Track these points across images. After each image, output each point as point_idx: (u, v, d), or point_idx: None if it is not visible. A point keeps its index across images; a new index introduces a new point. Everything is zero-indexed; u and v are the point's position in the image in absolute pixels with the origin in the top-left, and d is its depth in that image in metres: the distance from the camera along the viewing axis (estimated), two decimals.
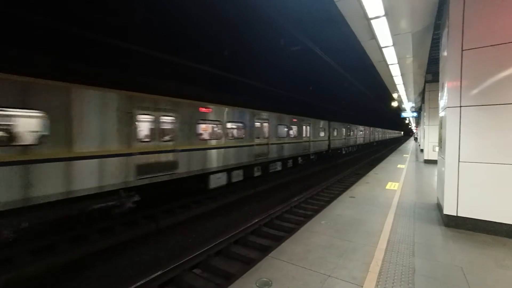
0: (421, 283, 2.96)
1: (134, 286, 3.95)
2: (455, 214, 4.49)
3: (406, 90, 14.69)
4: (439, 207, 5.35)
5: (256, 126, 11.43)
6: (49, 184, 5.10)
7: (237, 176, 10.43)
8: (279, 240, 5.51)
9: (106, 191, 6.09)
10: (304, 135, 16.22)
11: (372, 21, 5.35)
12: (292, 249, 3.80)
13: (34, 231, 5.41)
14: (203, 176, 8.85)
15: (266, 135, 12.13)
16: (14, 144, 4.86)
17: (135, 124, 6.70)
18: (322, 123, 19.42)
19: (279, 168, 13.59)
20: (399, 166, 12.83)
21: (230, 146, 9.91)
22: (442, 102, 5.42)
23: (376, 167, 12.60)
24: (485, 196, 4.23)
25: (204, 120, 8.82)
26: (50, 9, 7.35)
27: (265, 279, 3.04)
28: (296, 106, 20.56)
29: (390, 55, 7.81)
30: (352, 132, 28.23)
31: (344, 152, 25.83)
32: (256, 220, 6.63)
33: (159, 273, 4.25)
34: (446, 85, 4.76)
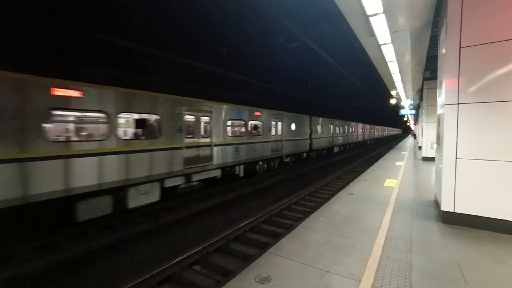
0: (418, 278, 2.99)
1: (134, 283, 3.97)
2: (452, 211, 4.53)
3: (404, 88, 14.71)
4: (437, 204, 5.39)
5: (346, 128, 26.61)
6: None
7: (340, 148, 24.80)
8: (278, 237, 5.55)
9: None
10: (356, 133, 31.66)
11: (371, 18, 5.36)
12: (291, 245, 3.83)
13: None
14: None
15: (347, 131, 26.98)
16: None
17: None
18: (360, 125, 33.63)
19: (352, 145, 30.54)
20: (397, 163, 12.89)
21: (343, 136, 25.52)
22: (440, 100, 5.44)
23: (374, 165, 12.64)
24: (482, 192, 4.27)
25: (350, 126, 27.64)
26: None
27: (264, 274, 3.07)
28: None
29: (389, 52, 7.82)
30: (369, 130, 41.30)
31: (368, 142, 40.39)
32: (255, 218, 6.67)
33: (158, 270, 4.28)
34: (444, 82, 4.78)
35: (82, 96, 5.78)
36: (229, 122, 10.07)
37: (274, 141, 13.08)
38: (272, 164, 13.70)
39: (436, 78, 6.25)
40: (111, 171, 6.23)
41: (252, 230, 6.26)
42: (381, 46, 7.17)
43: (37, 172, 5.06)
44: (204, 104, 8.77)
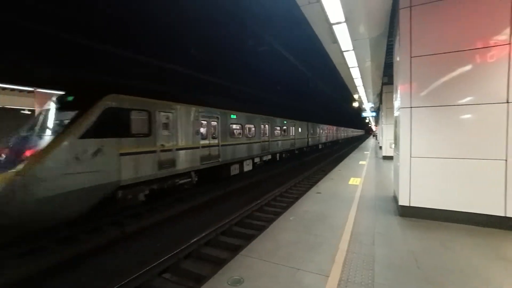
0: (380, 269, 3.23)
1: None
2: (408, 205, 4.96)
3: (365, 91, 15.74)
4: (396, 199, 5.84)
5: (326, 130, 33.95)
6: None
7: (322, 145, 32.96)
8: (250, 239, 5.58)
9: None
10: (332, 134, 39.63)
11: (334, 26, 5.66)
12: (263, 246, 3.89)
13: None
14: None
15: (326, 132, 34.31)
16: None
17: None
18: (334, 127, 41.74)
19: (330, 143, 38.16)
20: (360, 162, 13.72)
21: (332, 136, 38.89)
22: (396, 103, 5.93)
23: (340, 164, 13.32)
24: (431, 186, 4.76)
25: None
26: None
27: (236, 277, 3.08)
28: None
29: (351, 58, 8.32)
30: (340, 131, 50.01)
31: (340, 141, 49.41)
32: (227, 220, 6.63)
33: (125, 281, 4.06)
34: (399, 87, 5.22)
35: (236, 117, 12.31)
36: (276, 127, 17.30)
37: (291, 139, 20.30)
38: (289, 154, 20.61)
39: (393, 83, 6.81)
40: (240, 152, 12.66)
41: (224, 233, 6.22)
42: (344, 53, 7.61)
43: (227, 151, 11.53)
44: (267, 117, 15.84)
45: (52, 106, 6.46)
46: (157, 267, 4.53)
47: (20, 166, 4.92)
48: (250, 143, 13.59)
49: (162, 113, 8.03)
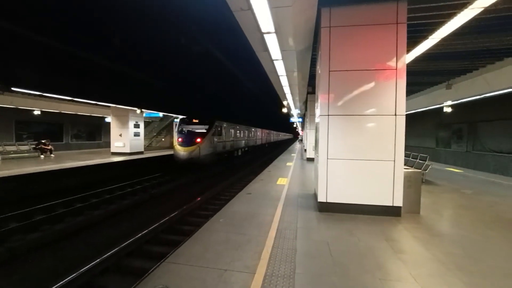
0: (300, 260, 3.55)
1: None
2: (325, 201, 5.63)
3: (293, 99, 17.10)
4: (316, 196, 6.54)
5: (267, 134, 46.50)
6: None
7: (267, 144, 46.81)
8: (178, 245, 5.34)
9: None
10: (271, 136, 52.74)
11: (265, 36, 5.99)
12: (190, 250, 3.78)
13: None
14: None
15: (268, 135, 48.04)
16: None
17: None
18: (270, 131, 49.98)
19: (272, 144, 52.63)
20: (287, 164, 14.81)
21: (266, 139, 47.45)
22: (317, 111, 6.64)
23: (270, 165, 14.09)
24: (343, 184, 5.52)
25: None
26: None
27: (161, 286, 2.90)
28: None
29: (280, 67, 8.93)
30: (275, 135, 60.03)
31: (276, 142, 59.98)
32: (152, 227, 6.18)
33: None
34: (319, 97, 5.90)
35: (238, 127, 24.81)
36: (265, 132, 42.50)
37: (254, 139, 32.44)
38: (266, 145, 42.49)
39: (315, 93, 7.61)
40: (238, 144, 24.71)
41: (149, 242, 5.77)
42: (274, 61, 8.12)
43: (241, 142, 26.38)
44: (246, 126, 28.59)
45: (202, 123, 17.41)
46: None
47: (197, 144, 15.56)
48: (241, 140, 25.35)
49: (224, 126, 19.16)
